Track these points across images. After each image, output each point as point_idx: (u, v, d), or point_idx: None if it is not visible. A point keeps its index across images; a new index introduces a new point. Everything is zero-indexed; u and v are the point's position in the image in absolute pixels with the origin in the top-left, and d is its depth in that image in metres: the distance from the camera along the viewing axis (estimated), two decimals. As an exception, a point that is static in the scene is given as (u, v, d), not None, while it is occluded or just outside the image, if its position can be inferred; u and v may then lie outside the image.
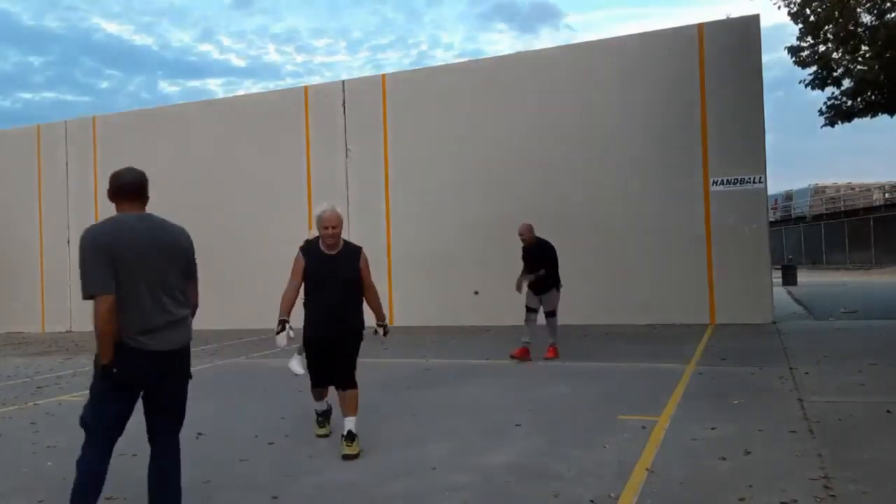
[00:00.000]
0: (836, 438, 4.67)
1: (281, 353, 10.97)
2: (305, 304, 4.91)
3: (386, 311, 14.68)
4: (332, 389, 5.15)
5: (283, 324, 4.74)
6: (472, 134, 13.95)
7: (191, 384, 3.37)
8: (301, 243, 5.05)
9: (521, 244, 8.78)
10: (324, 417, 5.35)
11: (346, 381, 4.90)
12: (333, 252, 4.86)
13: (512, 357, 8.68)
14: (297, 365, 8.71)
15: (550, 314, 8.71)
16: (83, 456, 3.12)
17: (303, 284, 4.92)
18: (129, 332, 3.08)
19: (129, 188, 3.26)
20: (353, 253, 4.94)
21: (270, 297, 17.21)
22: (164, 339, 3.15)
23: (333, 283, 4.80)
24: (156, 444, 3.31)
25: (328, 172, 14.97)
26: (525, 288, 8.67)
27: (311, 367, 5.10)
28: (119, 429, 3.19)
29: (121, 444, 3.15)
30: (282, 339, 4.70)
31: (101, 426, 3.14)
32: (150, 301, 3.12)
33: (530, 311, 8.78)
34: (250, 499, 3.96)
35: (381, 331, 5.10)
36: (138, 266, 3.09)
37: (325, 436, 5.26)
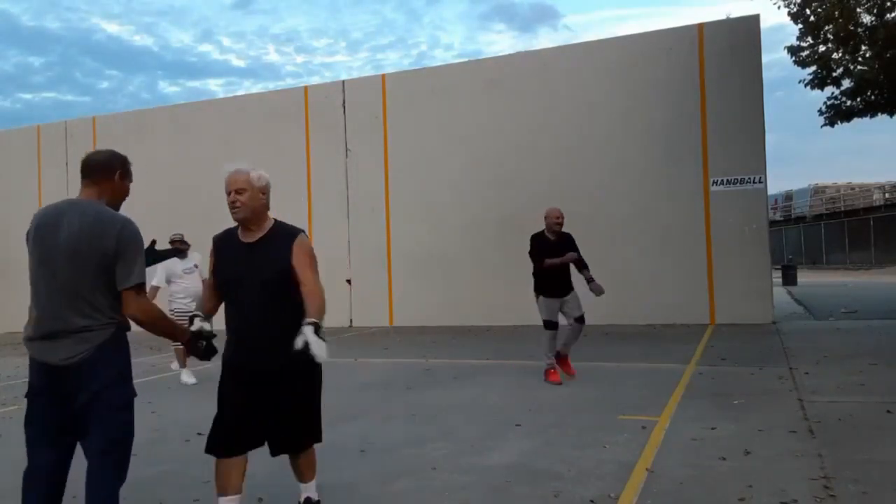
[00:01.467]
0: (836, 438, 4.67)
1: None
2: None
3: (386, 311, 14.94)
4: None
5: (191, 320, 3.23)
6: (472, 134, 13.95)
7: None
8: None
9: (525, 239, 7.24)
10: None
11: (296, 442, 3.33)
12: (252, 239, 3.24)
13: (556, 382, 7.08)
14: (189, 375, 8.18)
15: (581, 319, 7.07)
16: None
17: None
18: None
19: (81, 169, 2.92)
20: (283, 238, 3.22)
21: (270, 297, 16.91)
22: (42, 351, 2.76)
23: (251, 284, 3.16)
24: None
25: (328, 172, 14.97)
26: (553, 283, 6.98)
27: (220, 415, 3.27)
28: (48, 473, 2.81)
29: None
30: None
31: (26, 447, 2.87)
32: (35, 303, 2.80)
33: (551, 326, 7.06)
34: (250, 499, 3.96)
35: (307, 331, 2.91)
36: (32, 260, 2.81)
37: None
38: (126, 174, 2.98)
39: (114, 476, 2.80)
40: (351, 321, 14.56)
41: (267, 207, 3.30)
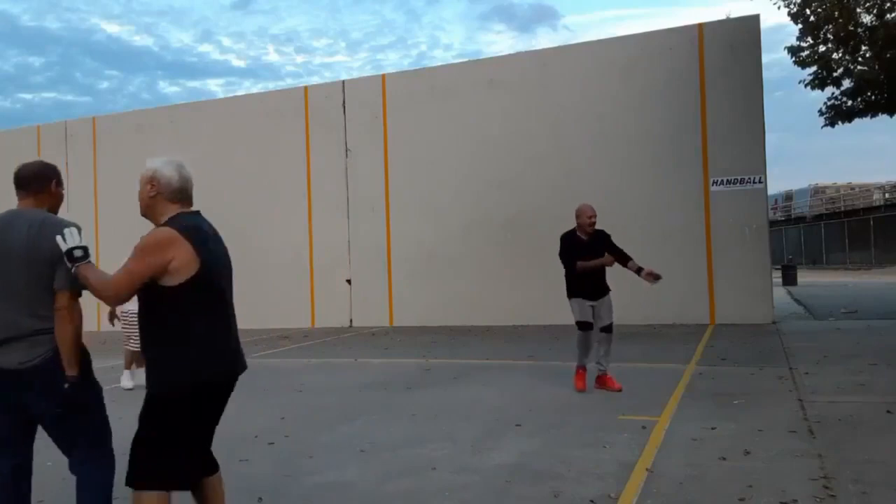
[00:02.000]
0: (836, 438, 4.67)
1: (281, 353, 10.99)
2: None
3: (386, 311, 14.96)
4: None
5: None
6: (472, 133, 13.95)
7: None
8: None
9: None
10: None
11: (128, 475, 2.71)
12: None
13: (580, 390, 6.61)
14: (128, 379, 7.96)
15: (609, 328, 6.61)
16: None
17: None
18: None
19: (16, 181, 2.99)
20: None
21: (270, 298, 17.13)
22: (3, 356, 2.77)
23: None
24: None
25: (328, 172, 14.97)
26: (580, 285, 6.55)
27: None
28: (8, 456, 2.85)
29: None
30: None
31: None
32: None
33: (586, 326, 6.55)
34: (250, 499, 3.96)
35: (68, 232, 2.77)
36: None
37: None
38: (60, 182, 3.12)
39: (106, 466, 2.93)
40: (351, 321, 14.55)
41: (159, 202, 2.90)
